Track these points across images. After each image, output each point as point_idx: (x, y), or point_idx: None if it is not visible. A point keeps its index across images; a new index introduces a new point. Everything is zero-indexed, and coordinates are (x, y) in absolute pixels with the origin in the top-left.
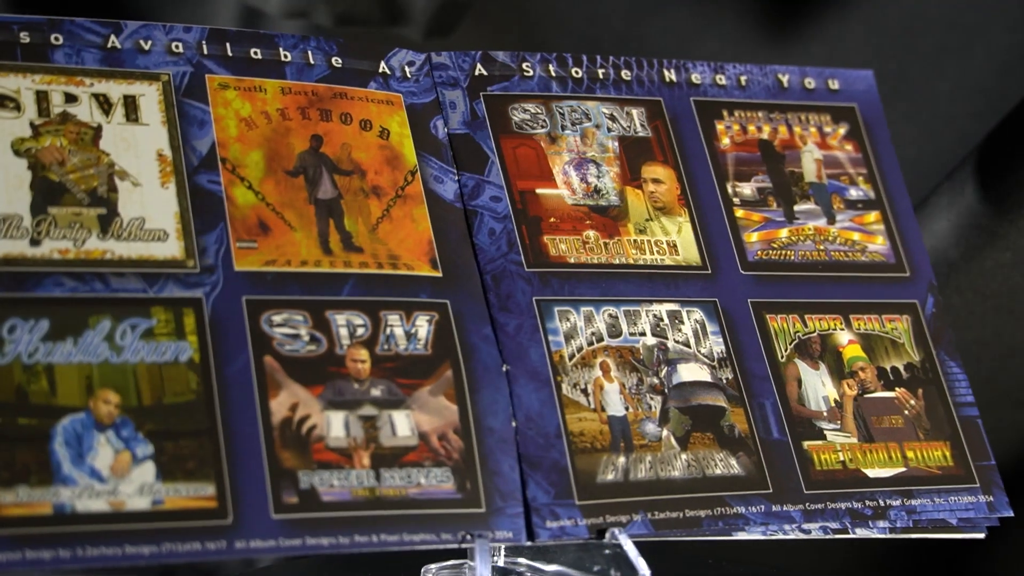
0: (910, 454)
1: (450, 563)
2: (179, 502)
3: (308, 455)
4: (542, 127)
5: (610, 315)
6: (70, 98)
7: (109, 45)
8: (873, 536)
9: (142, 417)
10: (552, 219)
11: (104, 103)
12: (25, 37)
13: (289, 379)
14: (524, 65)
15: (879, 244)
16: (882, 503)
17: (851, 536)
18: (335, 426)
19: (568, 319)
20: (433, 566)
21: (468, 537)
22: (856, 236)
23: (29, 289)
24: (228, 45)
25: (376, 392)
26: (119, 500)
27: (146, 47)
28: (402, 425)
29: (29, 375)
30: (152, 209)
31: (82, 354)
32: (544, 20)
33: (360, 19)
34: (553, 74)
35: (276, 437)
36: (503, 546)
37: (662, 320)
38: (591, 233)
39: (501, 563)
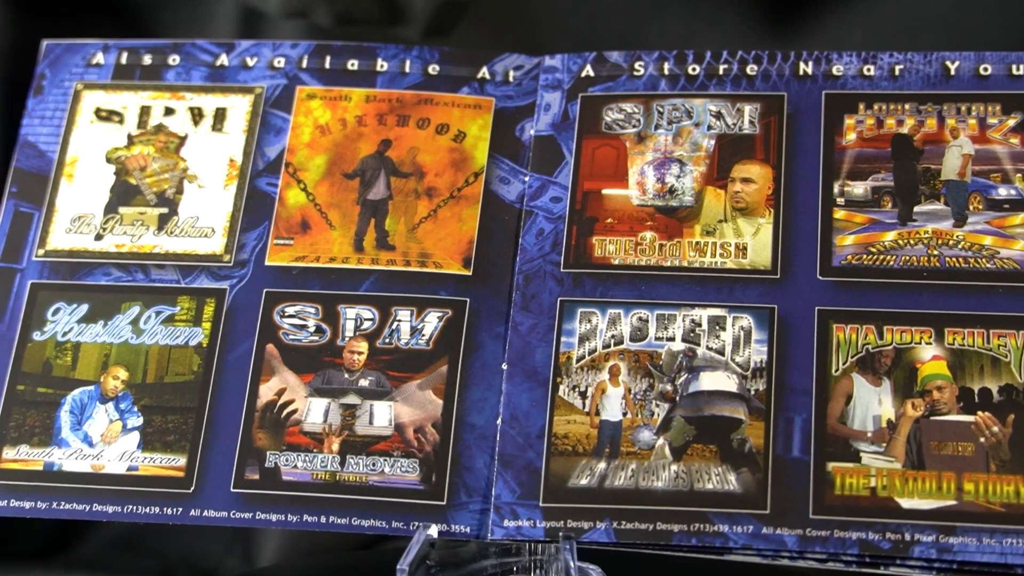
0: (969, 486)
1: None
2: (151, 470)
3: (281, 437)
4: (634, 127)
5: (639, 318)
6: (168, 111)
7: (218, 63)
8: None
9: (142, 392)
10: (609, 220)
11: (197, 115)
12: (147, 59)
13: (283, 366)
14: (636, 64)
15: (1017, 250)
16: (908, 537)
17: (883, 572)
18: (314, 412)
19: (589, 321)
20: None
21: (416, 527)
22: (987, 240)
23: (80, 277)
24: (328, 58)
25: (365, 383)
26: (100, 464)
27: (251, 63)
28: (381, 415)
29: (59, 351)
30: (208, 209)
31: (107, 335)
32: (543, 20)
33: (359, 19)
34: (666, 72)
35: (256, 418)
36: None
37: (699, 325)
38: (648, 234)
39: (545, 558)
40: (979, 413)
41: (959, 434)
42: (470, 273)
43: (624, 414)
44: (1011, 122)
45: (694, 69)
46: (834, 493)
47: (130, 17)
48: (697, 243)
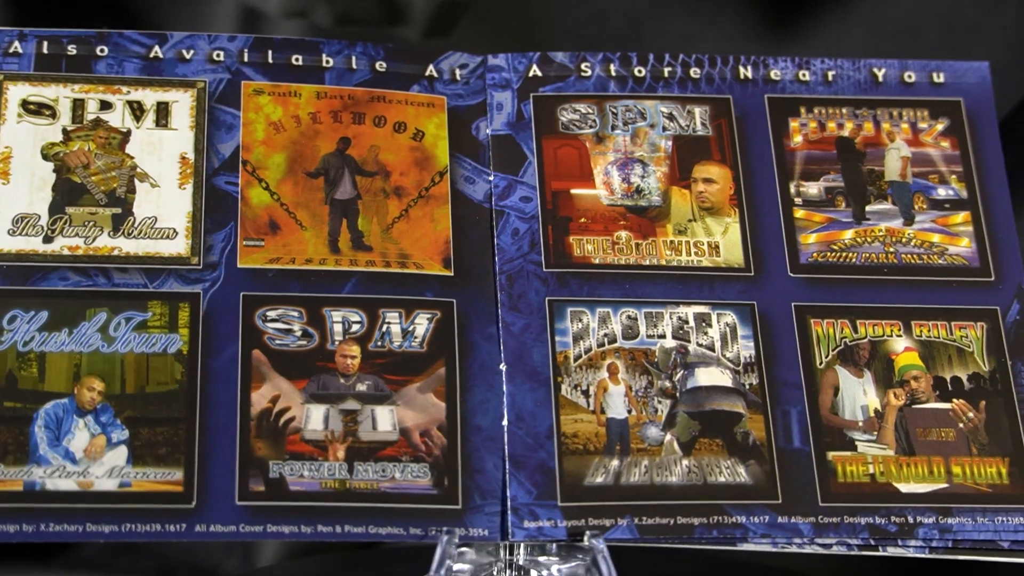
0: (956, 469)
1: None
2: (146, 485)
3: (282, 446)
4: (590, 127)
5: (628, 316)
6: (105, 105)
7: (152, 55)
8: (908, 555)
9: (123, 404)
10: (583, 219)
11: (137, 109)
12: (72, 50)
13: (274, 372)
14: (583, 66)
15: (963, 247)
16: (911, 520)
17: (882, 554)
18: (314, 419)
19: (580, 320)
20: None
21: (436, 532)
22: (936, 238)
23: (35, 283)
24: (270, 52)
25: (362, 387)
26: (88, 481)
27: (187, 56)
28: (384, 420)
29: (21, 362)
30: (166, 209)
31: (74, 344)
32: (543, 20)
33: (359, 19)
34: (613, 74)
35: (252, 427)
36: (523, 544)
37: (687, 323)
38: (623, 234)
39: (521, 560)
40: (954, 400)
41: (940, 421)
42: (452, 274)
43: (629, 411)
44: (939, 126)
45: (640, 71)
46: (838, 481)
47: (129, 17)
48: (671, 242)
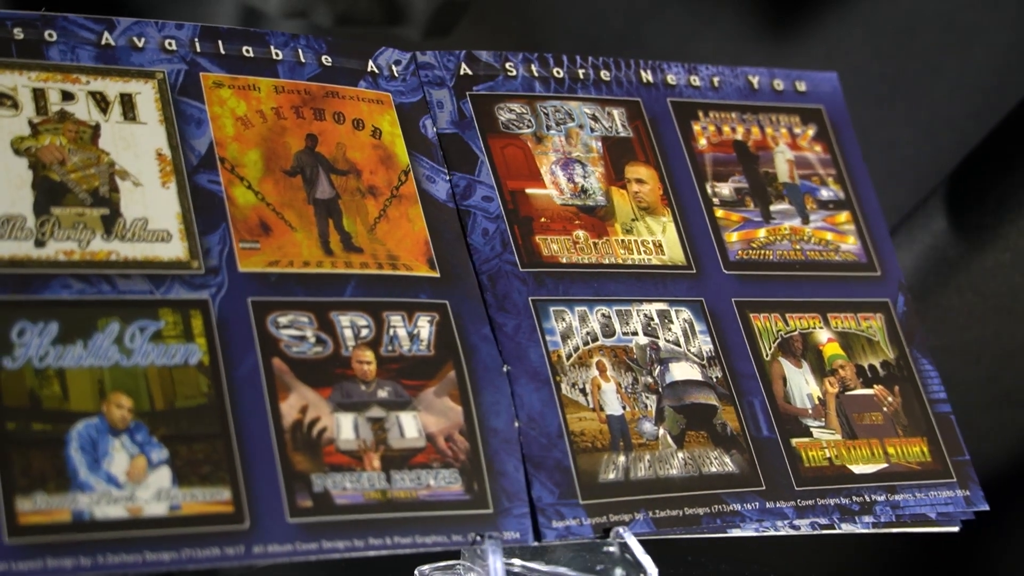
0: (891, 450)
1: (443, 563)
2: (196, 507)
3: (319, 458)
4: (528, 127)
5: (603, 315)
6: (67, 96)
7: (103, 42)
8: (857, 531)
9: (156, 421)
10: (543, 219)
11: (101, 101)
12: (19, 33)
13: (298, 381)
14: (507, 65)
15: (851, 244)
16: (868, 498)
17: (837, 532)
18: (345, 428)
19: (564, 319)
20: (427, 567)
21: (479, 538)
22: (829, 236)
23: (36, 291)
24: (220, 43)
25: (383, 393)
26: (136, 506)
27: (140, 44)
28: (410, 426)
29: (41, 379)
30: (154, 209)
31: (92, 357)
32: (543, 20)
33: (359, 19)
34: (536, 74)
35: (288, 440)
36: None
37: (652, 320)
38: (581, 233)
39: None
40: (875, 386)
41: (868, 406)
42: (439, 275)
43: (624, 408)
44: (810, 132)
45: (558, 72)
46: (805, 466)
47: (128, 15)
48: (623, 241)
